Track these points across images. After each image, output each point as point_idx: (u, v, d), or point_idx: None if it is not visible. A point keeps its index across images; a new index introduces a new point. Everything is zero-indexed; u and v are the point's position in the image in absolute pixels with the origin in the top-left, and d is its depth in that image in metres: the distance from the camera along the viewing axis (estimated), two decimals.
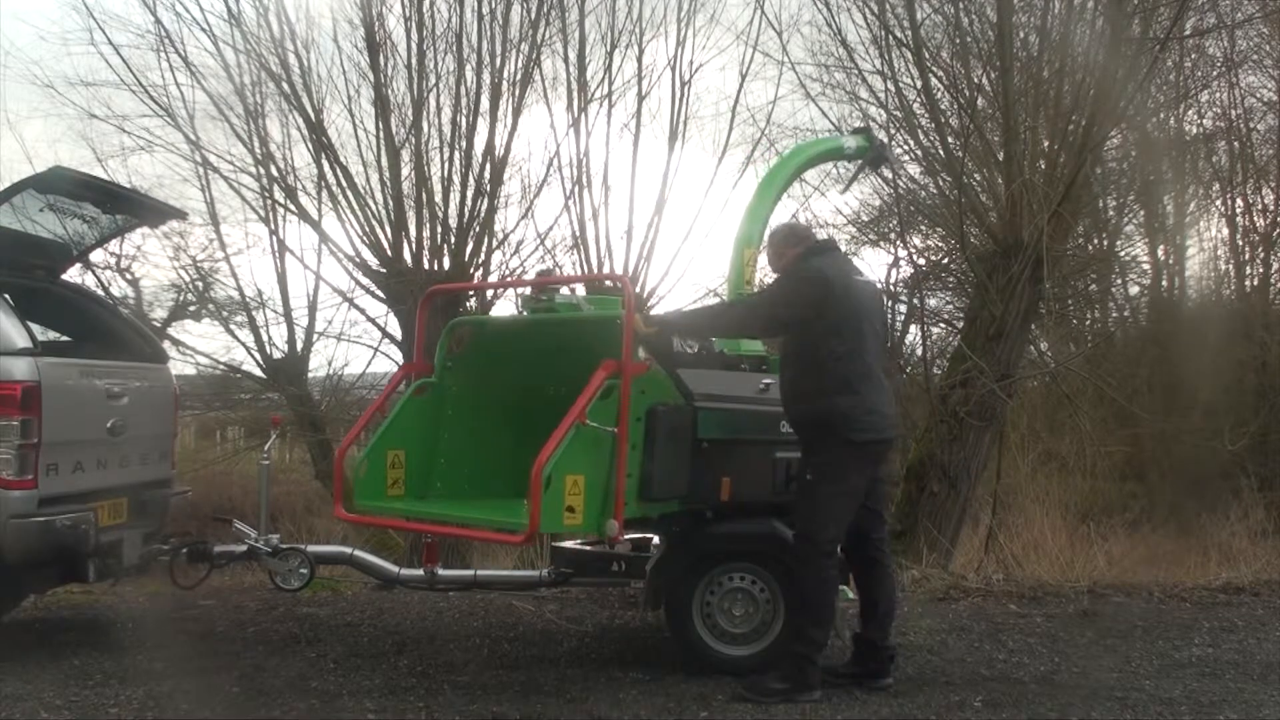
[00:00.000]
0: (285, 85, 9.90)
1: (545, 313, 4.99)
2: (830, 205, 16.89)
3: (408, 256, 9.88)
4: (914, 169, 10.45)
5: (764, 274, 6.69)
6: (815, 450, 4.48)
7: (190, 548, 5.45)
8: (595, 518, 4.30)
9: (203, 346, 11.86)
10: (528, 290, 5.33)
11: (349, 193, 9.93)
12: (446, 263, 9.87)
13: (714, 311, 4.94)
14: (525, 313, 5.20)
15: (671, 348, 4.79)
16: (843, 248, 6.63)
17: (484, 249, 10.16)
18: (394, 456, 4.99)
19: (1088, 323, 15.59)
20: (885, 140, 7.00)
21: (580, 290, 4.99)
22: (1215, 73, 12.25)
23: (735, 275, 5.68)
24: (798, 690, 4.40)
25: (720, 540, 4.87)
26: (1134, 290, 15.26)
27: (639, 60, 10.41)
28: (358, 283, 10.54)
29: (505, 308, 11.78)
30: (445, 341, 5.19)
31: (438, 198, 9.89)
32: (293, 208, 10.33)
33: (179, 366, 10.02)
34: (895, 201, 11.44)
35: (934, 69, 9.60)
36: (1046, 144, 9.08)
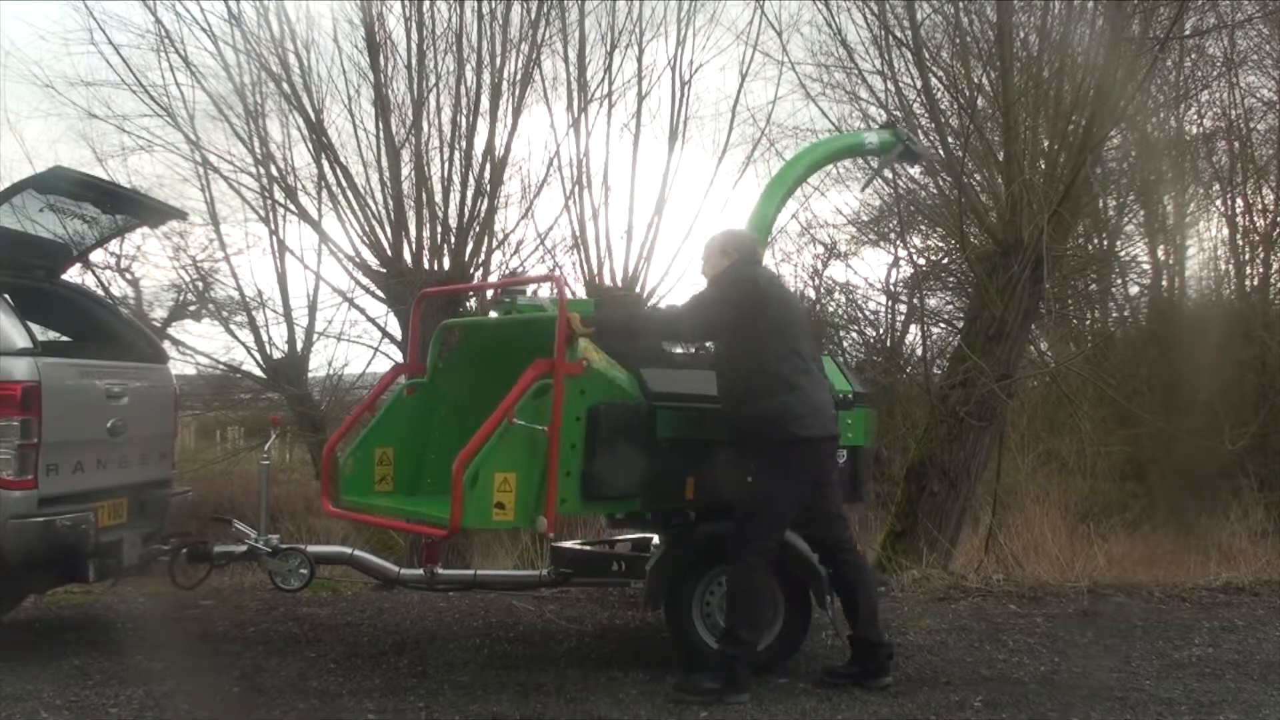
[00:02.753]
0: (285, 85, 9.90)
1: (510, 314, 5.05)
2: (830, 205, 16.91)
3: (408, 256, 9.88)
4: (914, 169, 10.43)
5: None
6: (756, 452, 4.48)
7: (190, 548, 5.45)
8: (528, 514, 4.38)
9: (203, 346, 11.87)
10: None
11: (349, 193, 9.94)
12: (446, 263, 9.86)
13: (652, 314, 4.96)
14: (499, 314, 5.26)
15: (634, 349, 4.79)
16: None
17: (484, 249, 10.17)
18: (381, 454, 5.09)
19: (1088, 323, 15.58)
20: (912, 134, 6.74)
21: (544, 291, 5.06)
22: (1215, 73, 12.23)
23: None
24: (728, 691, 4.40)
25: (720, 540, 4.87)
26: (1134, 290, 15.26)
27: (639, 60, 10.42)
28: (358, 283, 10.56)
29: None
30: (437, 343, 5.22)
31: (438, 198, 9.90)
32: (293, 208, 10.34)
33: (179, 366, 10.02)
34: (895, 201, 11.44)
35: (934, 69, 9.59)
36: (1046, 144, 9.07)
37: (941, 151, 9.16)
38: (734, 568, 4.54)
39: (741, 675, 4.45)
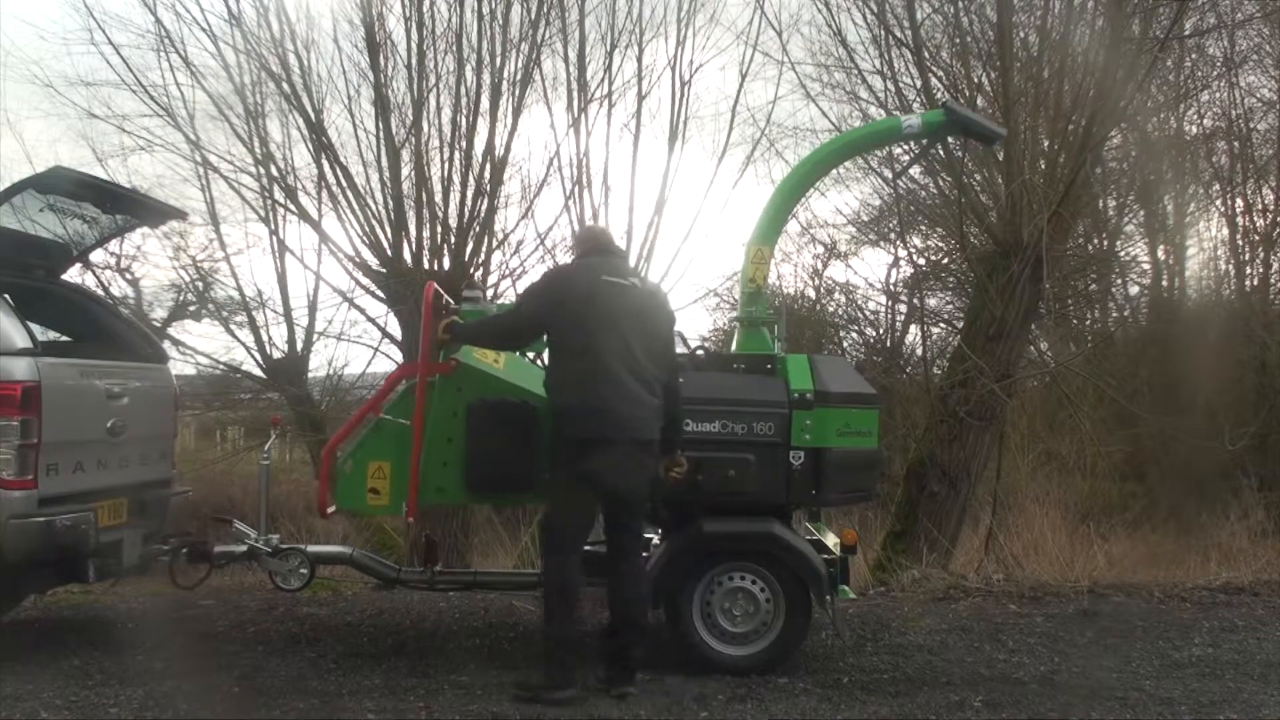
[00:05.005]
0: (285, 85, 9.89)
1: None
2: (830, 205, 16.90)
3: (408, 256, 9.88)
4: (914, 169, 10.44)
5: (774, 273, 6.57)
6: (556, 447, 4.59)
7: (190, 548, 5.45)
8: (402, 501, 4.82)
9: (203, 346, 11.80)
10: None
11: (349, 193, 9.92)
12: (446, 263, 9.86)
13: (491, 319, 4.96)
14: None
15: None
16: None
17: (484, 249, 10.17)
18: None
19: (1088, 323, 15.61)
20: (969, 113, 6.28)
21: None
22: (1215, 73, 12.25)
23: (743, 273, 5.68)
24: (555, 687, 4.39)
25: (720, 540, 4.88)
26: (1134, 290, 15.30)
27: (639, 60, 10.39)
28: (358, 283, 10.53)
29: None
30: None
31: (438, 198, 9.88)
32: (293, 208, 10.32)
33: (179, 366, 10.00)
34: (895, 201, 11.45)
35: (934, 69, 9.61)
36: (1046, 144, 9.08)
37: (941, 151, 9.17)
38: (544, 561, 4.63)
39: (567, 668, 4.42)
